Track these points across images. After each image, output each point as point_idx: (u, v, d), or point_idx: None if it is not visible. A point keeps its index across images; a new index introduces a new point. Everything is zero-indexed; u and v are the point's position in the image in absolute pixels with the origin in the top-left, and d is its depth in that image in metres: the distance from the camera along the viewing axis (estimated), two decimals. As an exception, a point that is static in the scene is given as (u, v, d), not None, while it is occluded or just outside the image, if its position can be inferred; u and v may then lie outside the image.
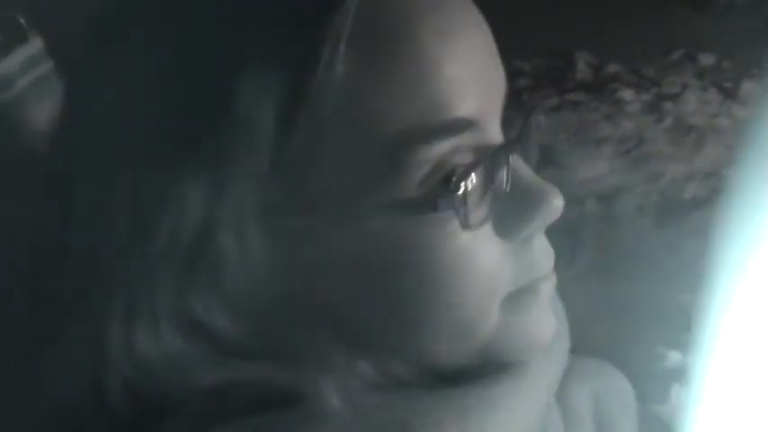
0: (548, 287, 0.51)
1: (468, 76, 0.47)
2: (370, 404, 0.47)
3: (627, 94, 3.32)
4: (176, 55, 0.46)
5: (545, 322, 0.52)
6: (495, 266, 0.49)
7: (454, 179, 0.46)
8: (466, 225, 0.46)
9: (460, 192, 0.46)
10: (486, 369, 0.50)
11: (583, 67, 3.60)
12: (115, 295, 0.45)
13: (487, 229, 0.48)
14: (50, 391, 0.47)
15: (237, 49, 0.45)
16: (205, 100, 0.45)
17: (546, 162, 2.80)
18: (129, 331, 0.45)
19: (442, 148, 0.46)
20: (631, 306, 1.91)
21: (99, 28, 0.49)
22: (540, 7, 3.87)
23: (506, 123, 0.53)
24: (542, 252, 0.51)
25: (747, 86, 3.35)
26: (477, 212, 0.47)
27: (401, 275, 0.47)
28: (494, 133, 0.49)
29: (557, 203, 0.49)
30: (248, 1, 0.46)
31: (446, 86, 0.46)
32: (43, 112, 0.79)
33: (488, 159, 0.48)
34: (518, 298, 0.50)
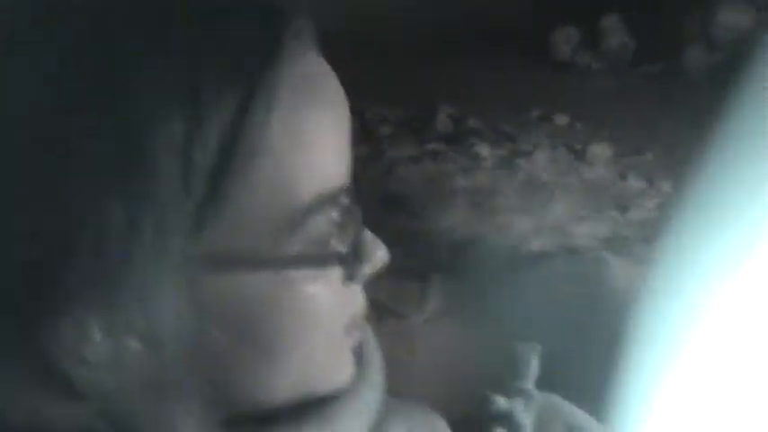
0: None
1: (341, 146, 0.51)
2: None
3: (483, 150, 3.41)
4: (107, 111, 0.46)
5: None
6: (335, 308, 0.53)
7: (333, 238, 0.51)
8: (351, 276, 0.52)
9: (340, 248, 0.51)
10: (294, 412, 0.53)
11: (444, 118, 3.67)
12: None
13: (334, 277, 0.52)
14: None
15: (170, 99, 0.46)
16: (133, 151, 0.46)
17: (401, 211, 2.84)
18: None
19: (328, 212, 0.50)
20: (470, 352, 1.96)
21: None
22: (406, 57, 3.94)
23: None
24: (360, 290, 0.56)
25: (595, 149, 3.50)
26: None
27: (277, 324, 0.50)
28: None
29: (382, 255, 0.55)
30: (185, 53, 0.47)
31: (332, 158, 0.50)
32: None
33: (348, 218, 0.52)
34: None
